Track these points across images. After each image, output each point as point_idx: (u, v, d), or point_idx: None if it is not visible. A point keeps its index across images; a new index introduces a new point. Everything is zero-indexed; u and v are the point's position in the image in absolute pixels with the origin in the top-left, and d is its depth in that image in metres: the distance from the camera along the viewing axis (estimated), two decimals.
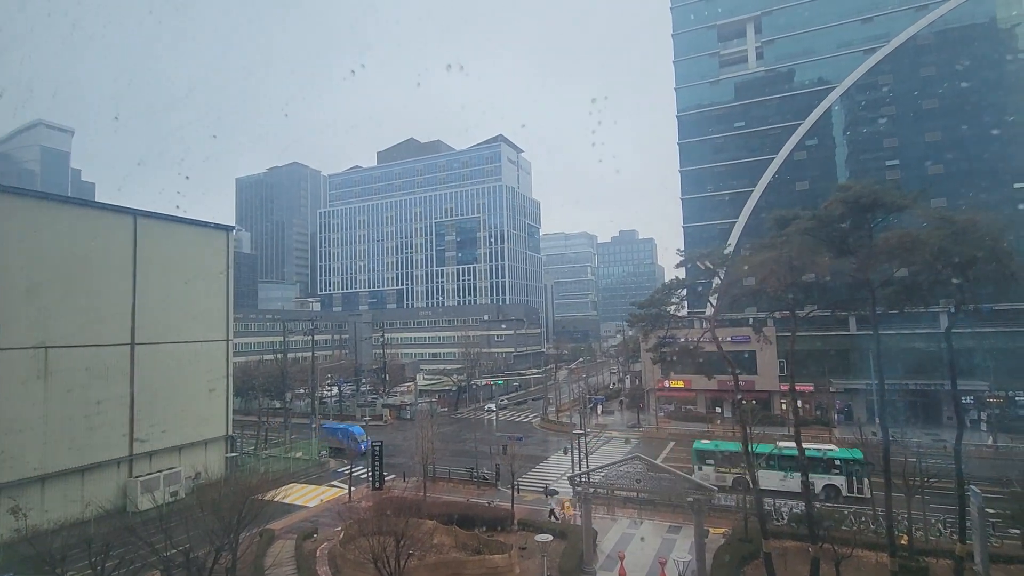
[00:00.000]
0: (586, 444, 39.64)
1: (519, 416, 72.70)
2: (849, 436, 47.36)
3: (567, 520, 31.77)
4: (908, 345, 51.07)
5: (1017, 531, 24.84)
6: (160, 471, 37.23)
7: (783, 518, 29.64)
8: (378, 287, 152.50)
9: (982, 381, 52.36)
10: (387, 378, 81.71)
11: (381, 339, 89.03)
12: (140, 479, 35.83)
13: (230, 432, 44.00)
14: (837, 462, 34.55)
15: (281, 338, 72.08)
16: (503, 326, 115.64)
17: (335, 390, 76.78)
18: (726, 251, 33.56)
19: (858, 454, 34.21)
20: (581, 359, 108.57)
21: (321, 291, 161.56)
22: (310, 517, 34.69)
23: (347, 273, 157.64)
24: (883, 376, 27.72)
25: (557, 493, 36.50)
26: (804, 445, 26.66)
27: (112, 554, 19.72)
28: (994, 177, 61.11)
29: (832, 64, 69.12)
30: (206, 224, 43.86)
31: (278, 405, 65.35)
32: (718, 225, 71.85)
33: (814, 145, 68.93)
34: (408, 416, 67.83)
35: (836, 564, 22.17)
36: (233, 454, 43.34)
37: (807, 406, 57.67)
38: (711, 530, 28.04)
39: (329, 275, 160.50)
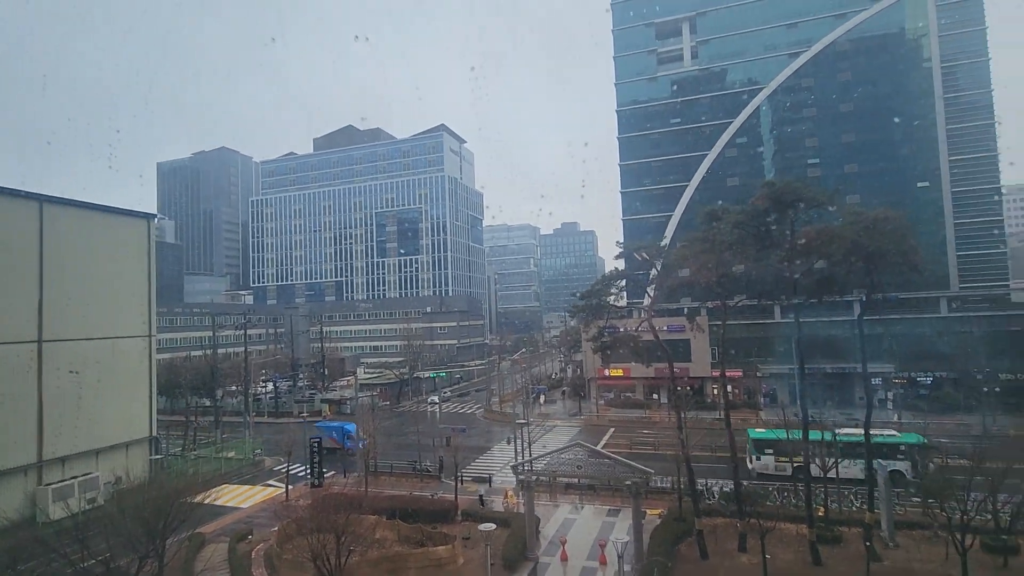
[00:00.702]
0: (529, 433, 40.17)
1: (462, 408, 72.68)
2: (774, 418, 50.47)
3: (510, 509, 32.14)
4: (826, 332, 54.84)
5: (919, 499, 27.34)
6: (75, 477, 34.62)
7: (714, 497, 31.25)
8: (316, 279, 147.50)
9: (889, 364, 57.10)
10: (326, 373, 79.43)
11: (319, 333, 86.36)
12: (51, 487, 33.16)
13: (154, 433, 41.49)
14: (902, 447, 34.25)
15: (210, 333, 68.45)
16: (446, 318, 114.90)
17: (270, 386, 73.85)
18: (662, 243, 34.87)
19: (921, 439, 34.66)
20: (524, 350, 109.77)
21: (254, 283, 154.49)
22: (244, 518, 33.32)
23: (282, 265, 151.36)
24: (803, 361, 29.69)
25: (487, 481, 36.79)
26: (870, 432, 27.32)
27: (20, 568, 18.18)
28: (901, 176, 66.46)
29: (761, 66, 72.68)
30: (124, 211, 40.88)
31: (208, 403, 62.14)
32: (656, 218, 74.26)
33: (744, 143, 72.38)
34: (348, 411, 66.29)
35: (761, 537, 23.63)
36: (158, 456, 40.90)
37: (736, 391, 60.93)
38: (648, 512, 29.18)
39: (263, 267, 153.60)
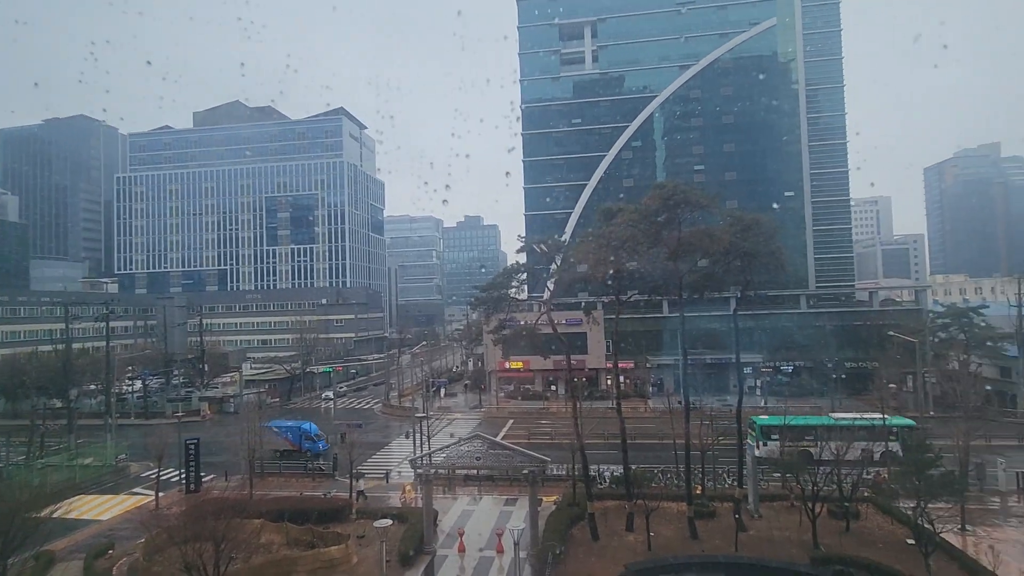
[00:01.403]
0: (428, 427, 39.67)
1: (359, 403, 70.27)
2: (660, 405, 54.06)
3: (407, 503, 31.55)
4: (707, 325, 59.45)
5: (779, 475, 30.58)
6: None
7: (606, 482, 32.79)
8: (195, 267, 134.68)
9: (758, 354, 63.29)
10: (205, 368, 73.05)
11: (199, 325, 79.14)
12: None
13: None
14: (894, 430, 35.75)
15: (63, 325, 60.17)
16: (343, 310, 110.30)
17: (137, 384, 66.46)
18: (562, 239, 35.85)
19: (910, 422, 37.09)
20: (425, 343, 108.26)
21: (120, 270, 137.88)
22: (104, 531, 29.75)
23: (154, 250, 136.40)
24: (687, 352, 31.98)
25: (364, 475, 35.91)
26: (861, 416, 28.62)
27: None
28: (771, 186, 73.81)
29: (654, 75, 77.10)
30: None
31: (60, 405, 54.60)
32: (557, 214, 76.32)
33: (639, 146, 76.50)
34: (232, 409, 61.49)
35: (647, 516, 25.15)
36: None
37: (628, 381, 64.44)
38: (544, 499, 29.97)
39: (130, 252, 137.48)
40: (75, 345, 60.57)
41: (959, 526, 24.44)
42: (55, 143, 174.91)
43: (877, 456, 32.94)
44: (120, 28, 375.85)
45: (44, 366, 58.72)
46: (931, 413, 44.52)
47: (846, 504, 26.63)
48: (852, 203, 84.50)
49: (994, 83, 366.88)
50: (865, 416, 33.67)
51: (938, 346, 56.71)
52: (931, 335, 57.11)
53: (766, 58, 75.76)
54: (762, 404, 56.29)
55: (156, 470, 35.00)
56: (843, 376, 56.31)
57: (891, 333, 55.46)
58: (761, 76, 75.33)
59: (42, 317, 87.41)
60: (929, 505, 21.68)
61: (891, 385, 48.98)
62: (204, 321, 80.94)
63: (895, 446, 35.21)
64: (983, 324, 55.08)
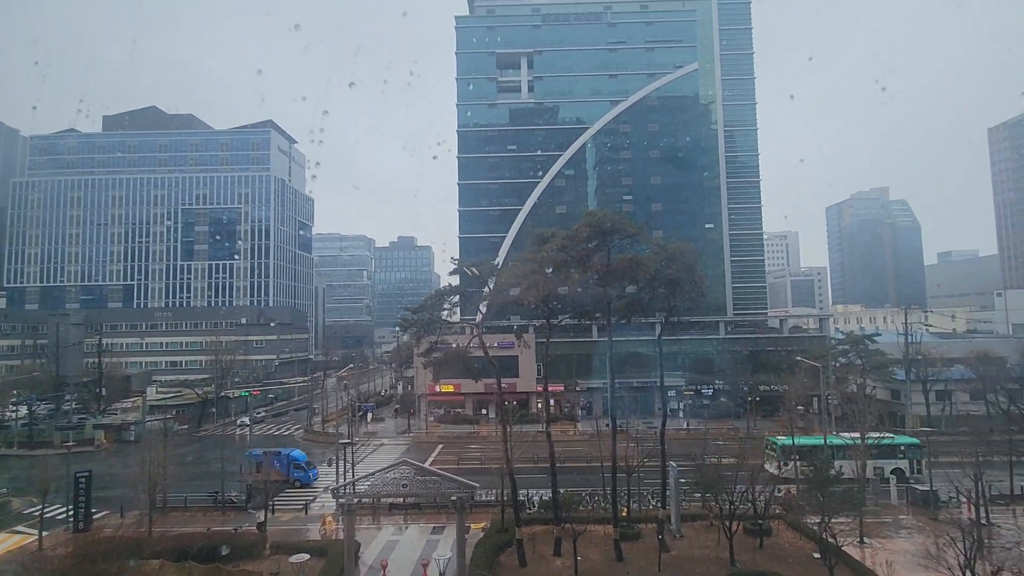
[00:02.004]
0: (353, 454, 38.04)
1: (279, 429, 66.45)
2: (589, 429, 54.82)
3: (328, 535, 29.91)
4: (634, 350, 61.53)
5: (699, 495, 31.67)
6: None
7: (535, 506, 32.62)
8: (97, 281, 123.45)
9: (681, 378, 66.01)
10: (102, 393, 66.69)
11: (97, 345, 72.35)
12: None
13: None
14: (902, 448, 37.24)
15: None
16: (265, 331, 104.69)
17: (22, 410, 59.51)
18: (495, 262, 36.00)
19: (916, 441, 37.92)
20: (352, 366, 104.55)
21: (10, 283, 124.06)
22: None
23: (50, 262, 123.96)
24: (614, 376, 32.88)
25: (270, 506, 33.86)
26: (868, 435, 28.72)
27: None
28: (693, 217, 78.20)
29: (587, 108, 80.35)
30: None
31: None
32: (491, 238, 76.87)
33: (572, 175, 78.99)
34: (132, 438, 56.35)
35: (574, 540, 25.19)
36: None
37: (558, 404, 65.07)
38: (472, 526, 29.36)
39: (22, 263, 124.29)
40: None
41: (858, 539, 26.28)
42: None
43: (887, 473, 34.33)
44: (28, 23, 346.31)
45: None
46: (834, 433, 47.78)
47: (760, 522, 27.93)
48: (765, 236, 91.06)
49: (883, 134, 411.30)
50: (872, 436, 33.81)
51: (839, 370, 61.44)
52: (833, 360, 61.85)
53: (689, 99, 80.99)
54: (684, 426, 58.49)
55: (40, 506, 31.22)
56: (758, 399, 59.63)
57: (799, 358, 59.57)
58: (684, 115, 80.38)
59: None
60: (832, 520, 23.15)
61: (799, 407, 52.37)
62: (105, 341, 74.09)
63: (903, 464, 36.94)
64: (876, 351, 60.35)
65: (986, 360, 52.44)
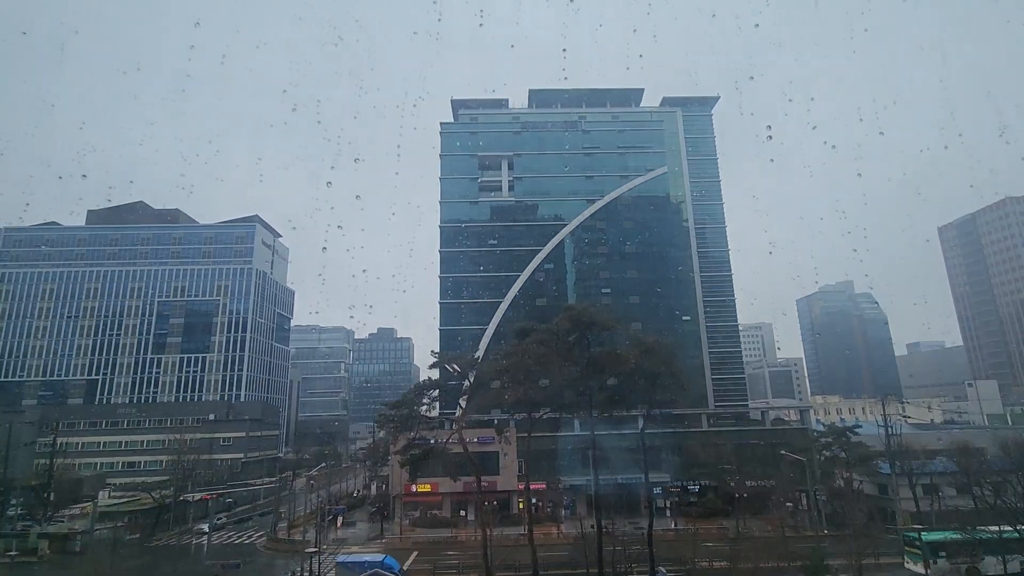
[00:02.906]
0: (319, 564, 35.18)
1: (241, 537, 61.53)
2: (573, 530, 51.98)
3: None
4: (617, 444, 59.82)
5: None
6: None
7: None
8: (58, 376, 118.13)
9: (666, 474, 64.00)
10: (51, 498, 61.71)
11: (51, 445, 67.92)
12: None
13: None
14: None
15: None
16: (233, 427, 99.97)
17: None
18: (476, 355, 35.87)
19: None
20: (324, 464, 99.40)
21: None
22: None
23: (9, 356, 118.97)
24: (597, 473, 31.80)
25: None
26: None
27: None
28: (670, 310, 79.92)
29: (565, 205, 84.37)
30: None
31: None
32: (471, 330, 76.97)
33: (551, 269, 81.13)
34: (77, 548, 51.44)
35: None
36: None
37: (540, 503, 61.95)
38: None
39: None
40: None
41: None
42: None
43: None
44: (14, 113, 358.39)
45: None
46: (825, 531, 46.02)
47: None
48: (740, 328, 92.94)
49: (845, 231, 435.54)
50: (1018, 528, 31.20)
51: (824, 464, 60.49)
52: (817, 453, 61.10)
53: (660, 198, 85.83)
54: (672, 526, 55.83)
55: None
56: (745, 495, 57.81)
57: (782, 452, 58.74)
58: (657, 213, 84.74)
59: None
60: None
61: (788, 504, 50.84)
62: (60, 440, 69.67)
63: None
64: (859, 443, 59.92)
65: (967, 452, 52.33)
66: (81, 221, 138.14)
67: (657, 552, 30.82)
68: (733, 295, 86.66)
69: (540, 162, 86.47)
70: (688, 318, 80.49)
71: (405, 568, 43.16)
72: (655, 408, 32.60)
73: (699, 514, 59.73)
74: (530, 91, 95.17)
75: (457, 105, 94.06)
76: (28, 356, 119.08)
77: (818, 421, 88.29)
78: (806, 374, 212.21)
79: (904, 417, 66.81)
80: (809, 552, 31.71)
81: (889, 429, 55.28)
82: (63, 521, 59.30)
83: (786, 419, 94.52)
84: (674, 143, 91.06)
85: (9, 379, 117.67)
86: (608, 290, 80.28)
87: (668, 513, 61.33)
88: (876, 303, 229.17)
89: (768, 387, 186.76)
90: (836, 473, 57.67)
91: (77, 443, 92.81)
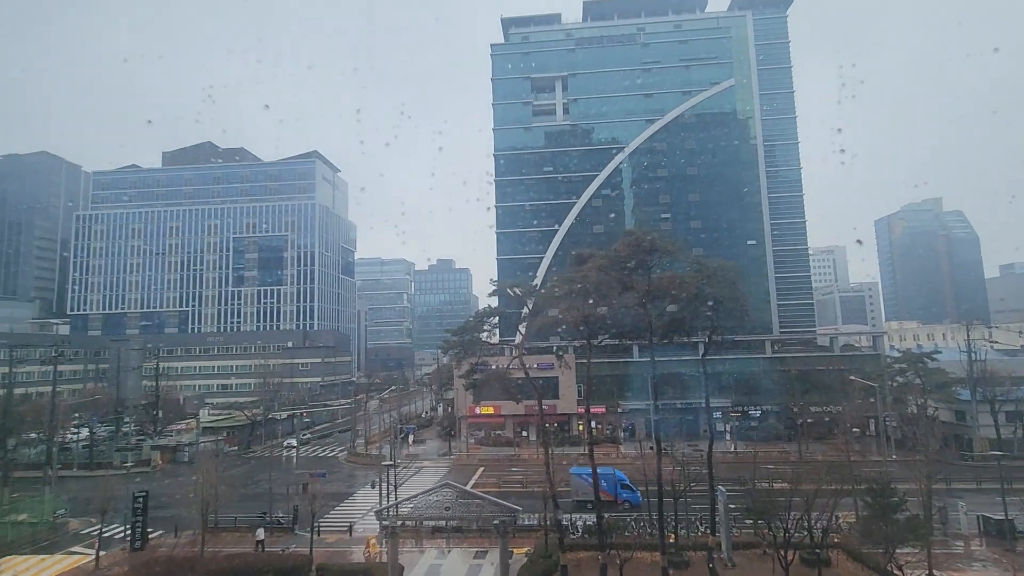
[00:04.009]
0: (395, 476, 38.27)
1: (324, 451, 67.60)
2: (632, 451, 53.63)
3: (372, 558, 30.03)
4: (677, 370, 60.09)
5: (751, 522, 30.35)
6: None
7: (579, 531, 31.96)
8: (155, 308, 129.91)
9: (726, 399, 63.92)
10: (159, 415, 69.46)
11: (155, 369, 75.71)
12: None
13: None
14: None
15: (6, 369, 56.83)
16: (310, 354, 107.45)
17: (84, 432, 62.54)
18: (534, 283, 36.14)
19: None
20: (394, 388, 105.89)
21: (73, 311, 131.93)
22: None
23: (112, 290, 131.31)
24: (657, 397, 32.11)
25: (347, 530, 34.31)
26: None
27: None
28: (734, 234, 76.59)
29: (622, 127, 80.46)
30: None
31: None
32: (529, 259, 77.23)
33: (608, 194, 78.86)
34: (186, 459, 58.34)
35: (620, 567, 24.49)
36: None
37: (600, 426, 63.94)
38: (515, 550, 28.93)
39: (86, 291, 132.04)
40: (19, 390, 57.02)
41: (926, 572, 24.55)
42: (12, 179, 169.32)
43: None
44: (96, 68, 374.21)
45: None
46: (893, 457, 45.14)
47: (817, 551, 26.50)
48: (810, 252, 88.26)
49: (935, 142, 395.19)
50: None
51: (897, 391, 58.32)
52: (889, 380, 58.83)
53: (726, 115, 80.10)
54: (732, 449, 56.46)
55: (98, 526, 32.60)
56: (809, 420, 57.12)
57: (852, 378, 56.91)
58: (722, 131, 79.45)
59: None
60: (896, 550, 21.76)
61: (854, 429, 49.85)
62: (162, 365, 77.32)
63: None
64: (937, 369, 57.11)
65: None
66: (149, 163, 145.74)
67: (716, 473, 31.37)
68: (804, 217, 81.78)
69: (596, 82, 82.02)
70: (754, 242, 77.01)
71: (472, 483, 46.32)
72: (717, 335, 31.97)
73: (760, 438, 59.86)
74: (584, 2, 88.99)
75: (508, 24, 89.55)
76: (127, 290, 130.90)
77: (892, 348, 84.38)
78: (882, 300, 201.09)
79: (990, 343, 62.67)
80: (875, 475, 31.39)
81: (972, 355, 52.16)
82: (171, 436, 66.96)
83: (857, 346, 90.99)
84: (743, 52, 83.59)
85: (114, 311, 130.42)
86: (668, 215, 77.54)
87: (728, 437, 61.83)
88: (966, 222, 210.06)
89: (839, 314, 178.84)
90: (909, 400, 55.59)
91: (176, 367, 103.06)
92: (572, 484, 37.97)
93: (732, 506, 29.92)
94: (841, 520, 30.82)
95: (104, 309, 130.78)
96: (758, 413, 65.11)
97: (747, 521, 31.58)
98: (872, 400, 51.78)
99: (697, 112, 79.52)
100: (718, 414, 62.40)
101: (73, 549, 33.94)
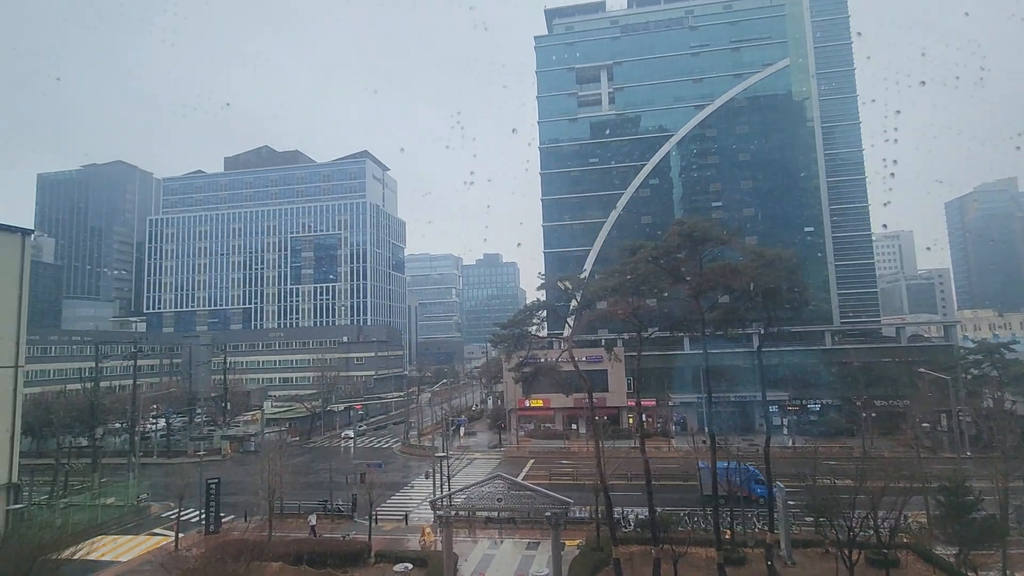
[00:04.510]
0: (448, 467, 39.18)
1: (379, 442, 69.83)
2: (685, 445, 52.74)
3: (427, 546, 30.94)
4: (729, 362, 58.47)
5: (811, 519, 29.36)
6: None
7: (630, 525, 31.81)
8: (221, 306, 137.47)
9: (784, 392, 61.70)
10: (228, 407, 73.58)
11: (223, 363, 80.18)
12: None
13: (14, 479, 36.11)
14: None
15: (92, 364, 61.59)
16: (364, 348, 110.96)
17: (161, 423, 67.14)
18: (582, 276, 35.98)
19: None
20: (444, 381, 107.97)
21: (149, 310, 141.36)
22: (124, 572, 29.67)
23: (182, 290, 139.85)
24: (710, 390, 31.42)
25: (403, 519, 35.41)
26: None
27: None
28: (790, 221, 73.50)
29: (670, 115, 78.50)
30: None
31: (86, 443, 55.30)
32: (576, 252, 76.78)
33: (656, 184, 77.23)
34: (252, 448, 61.58)
35: (674, 562, 24.25)
36: (18, 505, 35.51)
37: (650, 419, 63.14)
38: (567, 543, 29.13)
39: (159, 291, 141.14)
40: (102, 383, 61.69)
41: (1002, 575, 23.07)
42: (92, 187, 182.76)
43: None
44: (159, 83, 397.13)
45: (71, 404, 59.76)
46: (967, 454, 42.53)
47: (884, 551, 25.37)
48: (873, 237, 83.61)
49: (1008, 120, 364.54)
50: None
51: (971, 383, 54.66)
52: (963, 372, 55.18)
53: (780, 97, 76.75)
54: (790, 444, 54.56)
55: (176, 510, 35.05)
56: (873, 415, 54.41)
57: (921, 370, 53.79)
58: (776, 114, 76.20)
59: (72, 356, 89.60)
60: (971, 552, 20.59)
61: (924, 424, 47.23)
62: (228, 359, 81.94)
63: None
64: (1016, 360, 53.18)
65: None
66: (219, 168, 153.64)
67: (774, 469, 30.44)
68: (866, 202, 77.49)
69: (642, 69, 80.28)
70: (811, 229, 73.65)
71: (523, 475, 46.77)
72: (773, 326, 30.91)
73: (820, 433, 57.61)
74: None
75: (551, 15, 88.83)
76: (196, 289, 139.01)
77: (966, 338, 78.99)
78: (953, 287, 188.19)
79: None
80: (948, 473, 29.68)
81: None
82: (239, 426, 70.80)
83: (926, 336, 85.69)
84: (798, 30, 79.73)
85: (184, 309, 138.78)
86: (719, 203, 75.19)
87: (785, 431, 59.76)
88: None
89: (905, 302, 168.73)
90: (985, 393, 52.00)
91: (241, 362, 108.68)
92: (700, 478, 36.92)
93: (792, 503, 29.04)
94: (910, 520, 29.34)
95: (176, 307, 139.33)
96: (817, 407, 62.57)
97: (807, 518, 30.56)
98: (944, 394, 48.79)
99: (749, 95, 76.57)
100: (774, 408, 60.43)
101: (155, 531, 36.60)
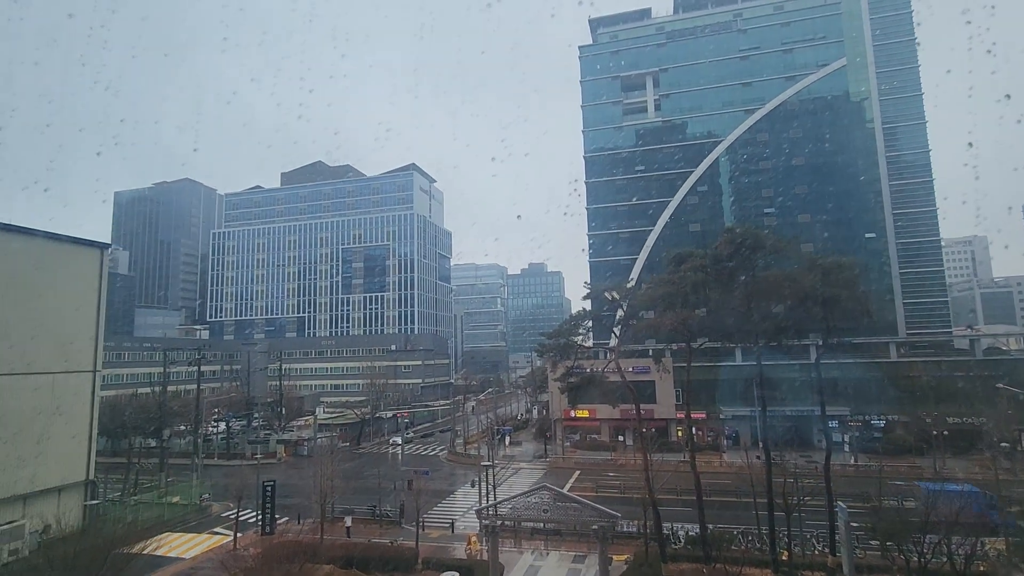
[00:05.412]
0: (494, 476, 39.23)
1: (426, 449, 70.72)
2: (737, 460, 50.85)
3: (473, 555, 31.01)
4: (785, 375, 56.21)
5: (877, 543, 27.66)
6: None
7: (680, 541, 30.89)
8: (277, 315, 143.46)
9: (844, 407, 58.63)
10: (283, 412, 76.35)
11: (278, 370, 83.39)
12: None
13: (91, 477, 38.69)
14: None
15: (161, 369, 65.29)
16: (411, 357, 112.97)
17: (222, 426, 70.39)
18: (629, 285, 35.47)
19: None
20: (490, 390, 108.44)
21: (211, 318, 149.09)
22: (187, 569, 31.12)
23: (242, 299, 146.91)
24: (765, 404, 30.24)
25: (449, 527, 35.55)
26: None
27: None
28: (850, 227, 70.20)
29: (719, 120, 76.70)
30: (75, 240, 39.19)
31: (154, 444, 58.64)
32: (622, 261, 75.86)
33: (705, 191, 75.47)
34: (305, 452, 63.58)
35: None
36: (94, 501, 38.02)
37: (700, 432, 61.31)
38: (614, 557, 28.56)
39: (221, 301, 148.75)
40: (169, 388, 65.29)
41: None
42: (162, 203, 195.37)
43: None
44: (226, 99, 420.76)
45: (142, 407, 63.53)
46: None
47: None
48: (943, 243, 78.71)
49: None
50: None
51: None
52: None
53: (837, 98, 73.73)
54: (852, 461, 51.72)
55: (235, 510, 36.54)
56: (945, 432, 50.93)
57: (1000, 385, 49.97)
58: (832, 116, 73.18)
59: (142, 361, 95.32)
60: None
61: (1003, 444, 43.78)
62: (283, 366, 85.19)
63: None
64: None
65: None
66: (276, 183, 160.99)
67: (835, 487, 28.94)
68: (934, 205, 73.04)
69: (689, 75, 78.93)
70: (873, 235, 70.03)
71: (568, 486, 46.24)
72: (832, 337, 29.52)
73: (885, 451, 54.28)
74: None
75: (595, 24, 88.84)
76: (254, 298, 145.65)
77: None
78: None
79: None
80: None
81: None
82: (293, 431, 73.30)
83: (1004, 349, 79.63)
84: (855, 28, 76.49)
85: (243, 317, 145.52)
86: (772, 209, 72.66)
87: (846, 448, 56.68)
88: None
89: (980, 312, 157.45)
90: None
91: (296, 368, 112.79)
92: (925, 501, 28.54)
93: (855, 524, 27.45)
94: (988, 547, 27.20)
95: (236, 316, 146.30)
96: (882, 423, 59.10)
97: (873, 542, 28.84)
98: None
99: (803, 97, 73.93)
100: (834, 423, 57.48)
101: (216, 530, 38.27)
